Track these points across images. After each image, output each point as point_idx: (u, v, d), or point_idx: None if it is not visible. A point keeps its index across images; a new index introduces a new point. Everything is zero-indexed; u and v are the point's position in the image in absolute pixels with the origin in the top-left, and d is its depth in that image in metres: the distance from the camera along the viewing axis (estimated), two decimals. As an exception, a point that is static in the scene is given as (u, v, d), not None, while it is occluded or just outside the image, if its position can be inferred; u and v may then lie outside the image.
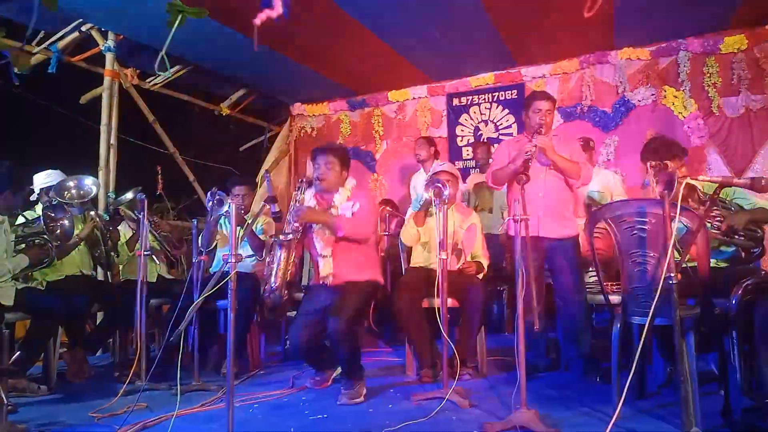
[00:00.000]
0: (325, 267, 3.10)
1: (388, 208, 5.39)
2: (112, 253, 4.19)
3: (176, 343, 2.49)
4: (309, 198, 3.19)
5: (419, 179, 5.46)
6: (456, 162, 6.37)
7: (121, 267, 4.44)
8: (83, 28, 5.13)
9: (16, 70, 1.33)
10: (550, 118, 3.37)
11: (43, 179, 3.96)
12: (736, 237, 2.71)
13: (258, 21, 1.30)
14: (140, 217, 3.52)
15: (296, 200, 3.08)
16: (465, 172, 6.11)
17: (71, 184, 3.87)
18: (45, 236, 3.50)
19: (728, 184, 2.16)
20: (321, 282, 3.16)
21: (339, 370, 3.24)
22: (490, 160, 4.46)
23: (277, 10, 1.23)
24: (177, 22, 1.38)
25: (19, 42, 4.43)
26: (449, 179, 3.60)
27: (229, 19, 4.60)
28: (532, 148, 3.14)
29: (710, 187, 2.63)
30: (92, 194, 3.90)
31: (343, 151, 3.20)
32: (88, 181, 3.93)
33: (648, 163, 3.06)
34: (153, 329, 4.51)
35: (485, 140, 6.20)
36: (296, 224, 2.91)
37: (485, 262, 3.69)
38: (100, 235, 4.00)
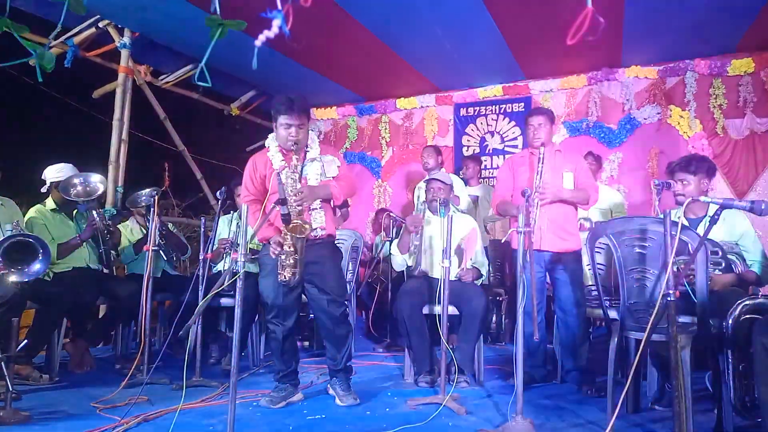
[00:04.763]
0: (317, 219, 2.97)
1: (390, 213, 5.44)
2: (112, 252, 4.16)
3: (183, 338, 2.52)
4: (279, 159, 2.98)
5: (423, 188, 5.50)
6: (460, 172, 6.42)
7: (126, 265, 4.47)
8: (100, 24, 5.22)
9: (40, 67, 1.36)
10: (544, 132, 3.36)
11: (54, 174, 3.87)
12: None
13: (258, 42, 1.35)
14: (151, 212, 3.57)
15: (287, 174, 2.85)
16: (469, 183, 6.16)
17: (77, 181, 3.83)
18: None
19: (729, 206, 2.19)
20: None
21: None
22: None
23: (275, 29, 1.27)
24: (217, 35, 1.43)
25: (42, 37, 4.48)
26: (441, 188, 3.67)
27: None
28: (537, 199, 3.13)
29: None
30: (98, 192, 3.86)
31: (304, 103, 2.93)
32: (95, 178, 3.88)
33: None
34: (155, 324, 4.55)
35: (474, 154, 6.34)
36: (299, 207, 2.84)
37: (484, 270, 3.73)
38: (99, 236, 3.94)
